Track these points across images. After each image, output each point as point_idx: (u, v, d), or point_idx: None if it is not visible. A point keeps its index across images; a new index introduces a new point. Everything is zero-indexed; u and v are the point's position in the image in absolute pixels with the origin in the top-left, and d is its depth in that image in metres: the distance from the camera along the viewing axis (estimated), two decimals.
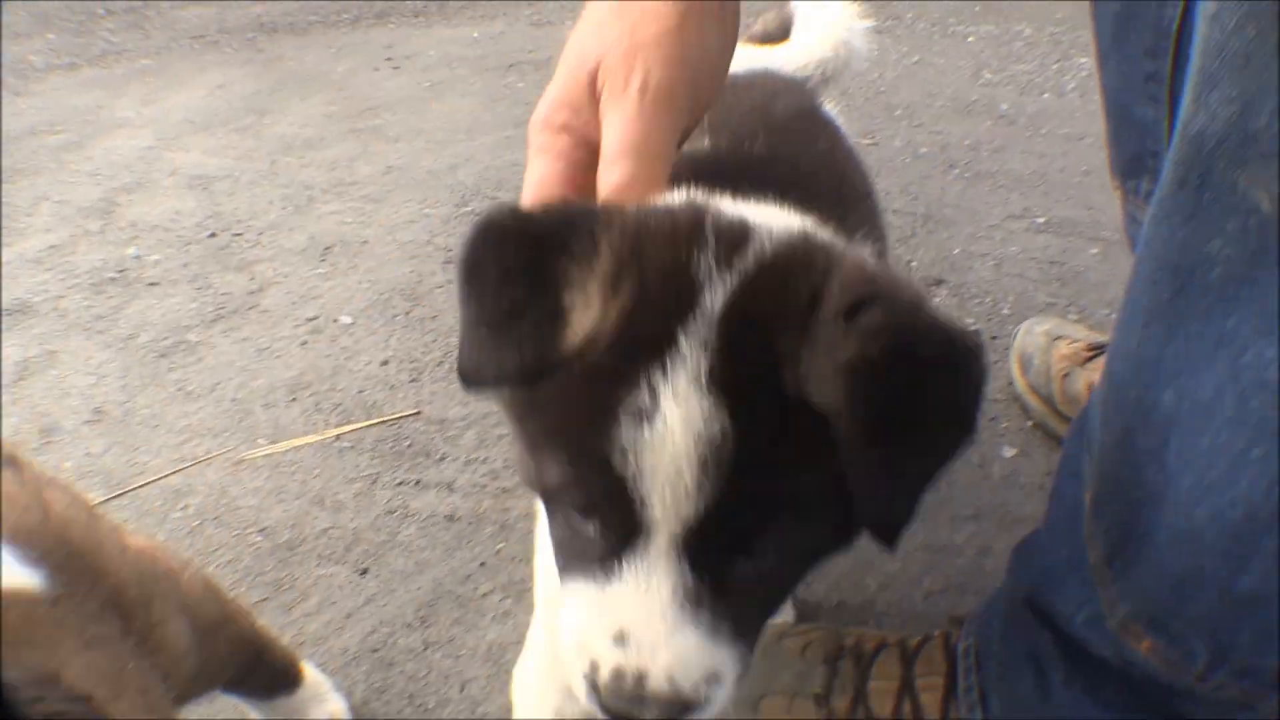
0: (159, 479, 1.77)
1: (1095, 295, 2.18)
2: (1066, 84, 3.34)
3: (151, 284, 2.35)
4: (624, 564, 0.71)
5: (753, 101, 1.18)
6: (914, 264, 2.32)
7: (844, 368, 0.63)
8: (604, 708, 0.72)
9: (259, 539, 1.64)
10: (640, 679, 0.70)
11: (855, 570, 1.54)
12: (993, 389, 1.89)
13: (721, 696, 0.72)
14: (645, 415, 0.65)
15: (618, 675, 0.70)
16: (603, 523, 0.72)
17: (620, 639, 0.70)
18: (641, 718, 0.71)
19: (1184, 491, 0.80)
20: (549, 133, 0.82)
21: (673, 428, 0.64)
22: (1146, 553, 0.86)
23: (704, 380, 0.65)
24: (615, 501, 0.68)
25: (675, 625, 0.70)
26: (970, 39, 3.74)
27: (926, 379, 0.66)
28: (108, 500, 1.71)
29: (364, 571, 1.57)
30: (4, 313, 2.24)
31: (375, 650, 1.45)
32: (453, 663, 1.40)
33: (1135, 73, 1.34)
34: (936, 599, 1.49)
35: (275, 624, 1.48)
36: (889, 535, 0.72)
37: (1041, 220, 2.50)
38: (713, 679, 0.71)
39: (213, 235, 2.54)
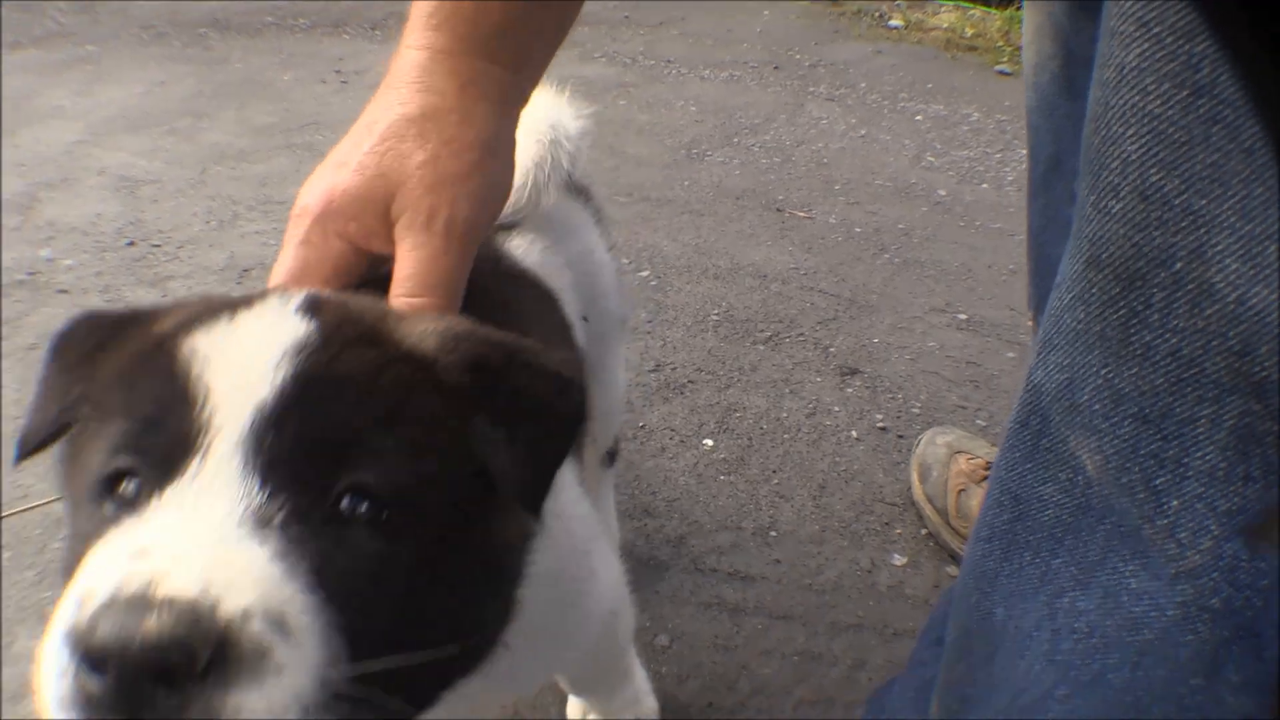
0: (40, 504, 1.72)
1: (1005, 402, 2.23)
2: (1006, 175, 3.42)
3: (61, 290, 2.29)
4: (167, 493, 0.57)
5: None
6: (832, 349, 2.36)
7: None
8: (77, 651, 0.49)
9: None
10: (149, 586, 0.49)
11: (730, 672, 1.55)
12: (891, 494, 1.93)
13: (291, 662, 0.52)
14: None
15: (116, 591, 0.49)
16: (154, 454, 0.59)
17: (139, 555, 0.52)
18: (129, 643, 0.47)
19: (1001, 706, 0.82)
20: (320, 232, 0.82)
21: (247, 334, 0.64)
22: None
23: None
24: (155, 394, 0.61)
25: (227, 537, 0.54)
26: (919, 117, 3.81)
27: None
28: None
29: None
30: None
31: None
32: None
33: (1058, 218, 1.38)
34: (807, 709, 1.50)
35: None
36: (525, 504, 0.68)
37: (963, 317, 2.55)
38: (277, 621, 0.52)
39: (131, 244, 2.49)
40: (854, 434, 2.08)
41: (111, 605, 0.48)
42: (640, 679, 1.44)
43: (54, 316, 2.19)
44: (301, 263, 0.81)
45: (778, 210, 3.00)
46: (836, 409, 2.15)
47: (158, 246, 2.49)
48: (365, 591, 0.58)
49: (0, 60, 3.49)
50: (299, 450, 0.59)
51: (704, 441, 2.02)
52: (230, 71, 3.65)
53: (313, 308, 0.68)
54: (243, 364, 0.62)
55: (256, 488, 0.57)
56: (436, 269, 0.78)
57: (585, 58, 4.14)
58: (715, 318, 2.44)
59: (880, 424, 2.11)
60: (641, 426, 2.05)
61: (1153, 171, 0.61)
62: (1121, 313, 0.66)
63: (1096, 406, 0.69)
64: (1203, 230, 0.59)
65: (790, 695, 1.53)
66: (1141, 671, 0.70)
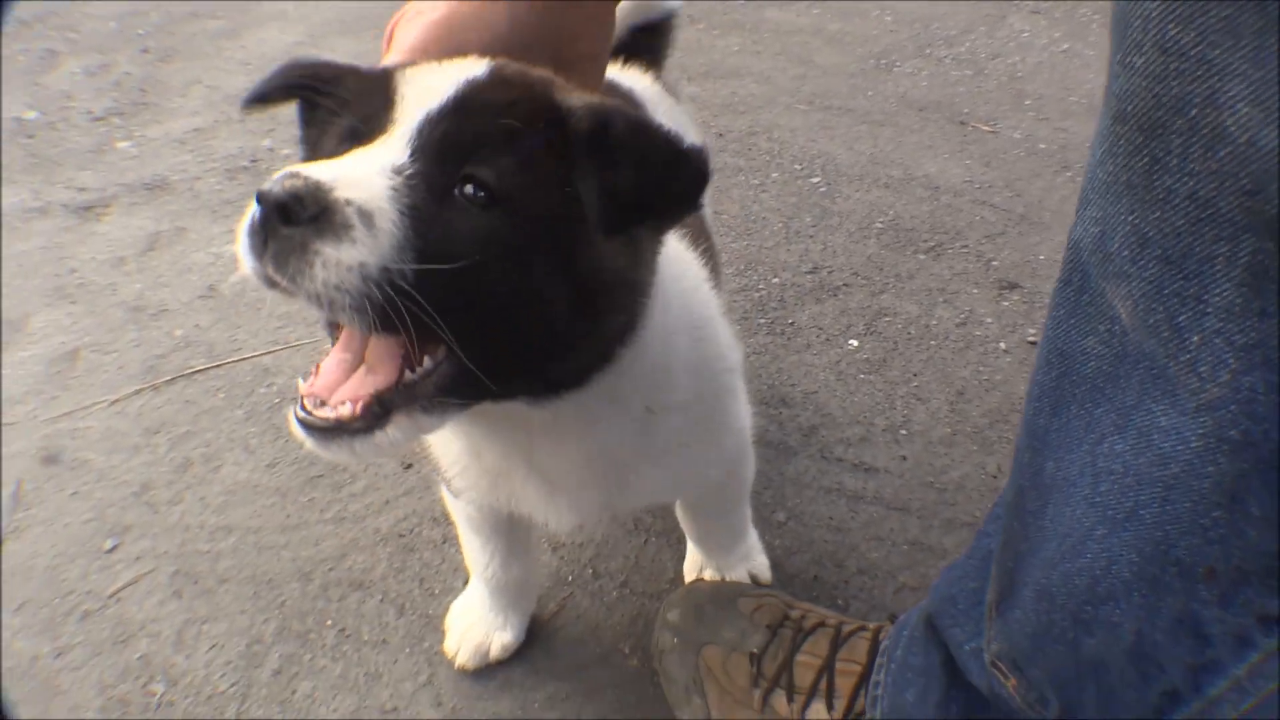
0: (253, 356, 2.03)
1: None
2: None
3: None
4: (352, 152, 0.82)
5: None
6: (995, 263, 2.34)
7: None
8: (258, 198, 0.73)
9: None
10: (302, 171, 0.73)
11: (839, 551, 1.65)
12: (1019, 401, 1.94)
13: (363, 241, 0.73)
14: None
15: (288, 173, 0.73)
16: (356, 122, 0.85)
17: (316, 169, 0.75)
18: (276, 190, 0.71)
19: (1050, 553, 0.89)
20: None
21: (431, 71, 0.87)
22: (1018, 600, 0.96)
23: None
24: (374, 103, 0.85)
25: (369, 170, 0.77)
26: None
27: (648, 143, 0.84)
28: (207, 369, 1.97)
29: (408, 466, 1.79)
30: (144, 187, 2.53)
31: (402, 535, 1.67)
32: (464, 559, 1.60)
33: None
34: (906, 596, 1.59)
35: (324, 499, 1.73)
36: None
37: None
38: (366, 215, 0.73)
39: None
40: (1002, 345, 2.09)
41: (281, 176, 0.72)
42: (754, 539, 1.58)
43: None
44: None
45: (961, 123, 2.95)
46: (989, 320, 2.16)
47: None
48: (444, 242, 0.77)
49: None
50: (443, 143, 0.81)
51: (849, 342, 2.09)
52: None
53: (494, 64, 0.89)
54: (428, 87, 0.84)
55: (406, 158, 0.80)
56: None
57: None
58: (880, 225, 2.46)
59: (1031, 338, 2.11)
60: (791, 323, 2.14)
61: (1171, 26, 0.65)
62: (1144, 160, 0.70)
63: (1125, 252, 0.74)
64: (1216, 78, 0.63)
65: (894, 580, 1.62)
66: (1169, 505, 0.76)
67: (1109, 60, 0.76)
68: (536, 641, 1.50)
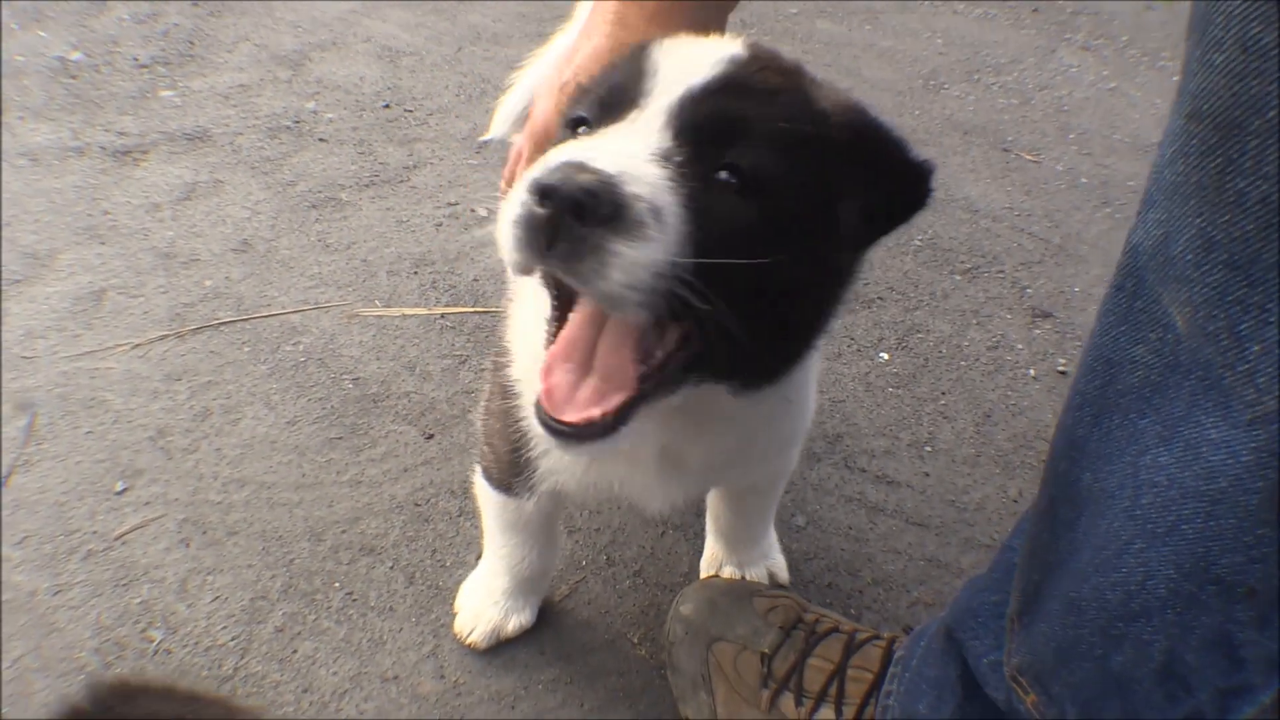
0: (281, 314, 2.01)
1: None
2: None
3: (321, 139, 2.59)
4: (609, 129, 0.81)
5: None
6: (1029, 290, 2.32)
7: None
8: (531, 187, 0.72)
9: (350, 386, 1.86)
10: (586, 161, 0.72)
11: (855, 561, 1.63)
12: (1044, 429, 1.92)
13: (658, 239, 0.72)
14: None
15: (566, 160, 0.72)
16: (610, 110, 0.84)
17: (581, 151, 0.74)
18: (568, 184, 0.70)
19: (1081, 565, 0.87)
20: None
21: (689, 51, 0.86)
22: (1044, 613, 0.94)
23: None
24: (624, 73, 0.85)
25: (640, 156, 0.76)
26: (1176, 78, 3.55)
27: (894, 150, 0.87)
28: (233, 322, 1.96)
29: (429, 436, 1.77)
30: (184, 137, 2.53)
31: (418, 505, 1.65)
32: (477, 534, 1.58)
33: None
34: (919, 611, 1.57)
35: (342, 461, 1.71)
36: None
37: None
38: (656, 211, 0.72)
39: (386, 106, 2.76)
40: (1032, 372, 2.07)
41: (561, 166, 0.71)
42: (774, 539, 1.57)
43: (311, 160, 2.49)
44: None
45: (1004, 150, 2.93)
46: (1020, 346, 2.14)
47: (409, 111, 2.76)
48: (713, 232, 0.77)
49: None
50: (704, 125, 0.79)
51: (880, 355, 2.07)
52: None
53: (751, 44, 0.89)
54: (688, 60, 0.83)
55: (669, 139, 0.79)
56: None
57: None
58: (918, 243, 2.45)
59: (1061, 368, 2.09)
60: None
61: (1254, 25, 0.64)
62: (1218, 161, 0.68)
63: (1189, 256, 0.72)
64: None
65: (908, 594, 1.60)
66: (1213, 521, 0.74)
67: (1184, 59, 0.74)
68: (544, 623, 1.48)
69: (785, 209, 0.81)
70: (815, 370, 1.20)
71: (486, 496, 1.33)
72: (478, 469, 1.32)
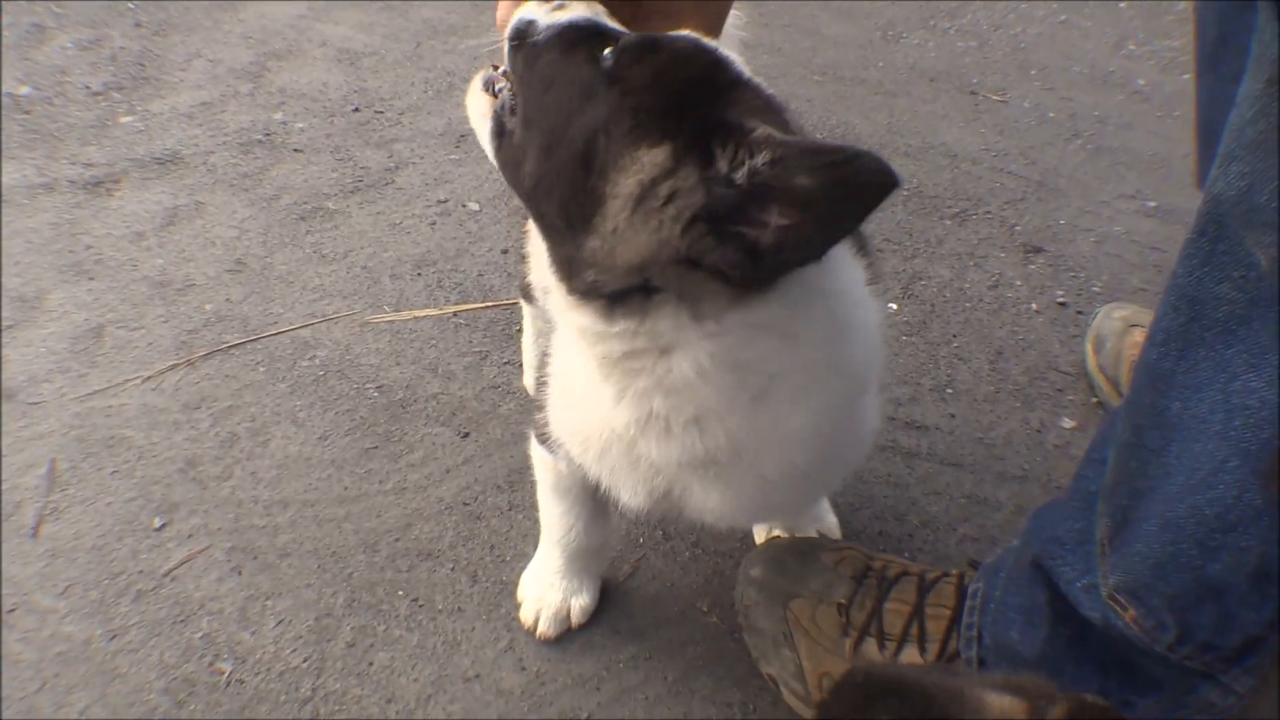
0: (291, 330, 1.99)
1: None
2: None
3: (296, 150, 2.55)
4: None
5: None
6: (1018, 228, 2.38)
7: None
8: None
9: (375, 394, 1.85)
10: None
11: (900, 506, 1.68)
12: (1065, 363, 1.98)
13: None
14: None
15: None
16: None
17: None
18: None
19: (1175, 487, 0.94)
20: None
21: None
22: (1138, 535, 0.99)
23: None
24: None
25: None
26: (1122, 4, 3.63)
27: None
28: (243, 343, 1.94)
29: (465, 435, 1.78)
30: (154, 162, 2.47)
31: (466, 504, 1.65)
32: (532, 524, 1.58)
33: (1224, 95, 1.41)
34: (967, 546, 1.62)
35: (382, 470, 1.71)
36: None
37: (1153, 204, 2.51)
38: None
39: (356, 110, 2.73)
40: (1034, 306, 2.13)
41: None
42: (825, 501, 1.59)
43: (290, 172, 2.45)
44: None
45: (971, 93, 2.97)
46: (1018, 283, 2.19)
47: (380, 113, 2.72)
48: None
49: None
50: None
51: (889, 305, 2.11)
52: None
53: None
54: None
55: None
56: None
57: None
58: (905, 193, 2.48)
59: (1060, 299, 2.15)
60: None
61: None
62: None
63: (1274, 204, 0.79)
64: None
65: (955, 532, 1.64)
66: None
67: (1260, 30, 0.80)
68: (613, 604, 1.50)
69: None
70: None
71: (537, 458, 1.35)
72: (532, 434, 1.34)
